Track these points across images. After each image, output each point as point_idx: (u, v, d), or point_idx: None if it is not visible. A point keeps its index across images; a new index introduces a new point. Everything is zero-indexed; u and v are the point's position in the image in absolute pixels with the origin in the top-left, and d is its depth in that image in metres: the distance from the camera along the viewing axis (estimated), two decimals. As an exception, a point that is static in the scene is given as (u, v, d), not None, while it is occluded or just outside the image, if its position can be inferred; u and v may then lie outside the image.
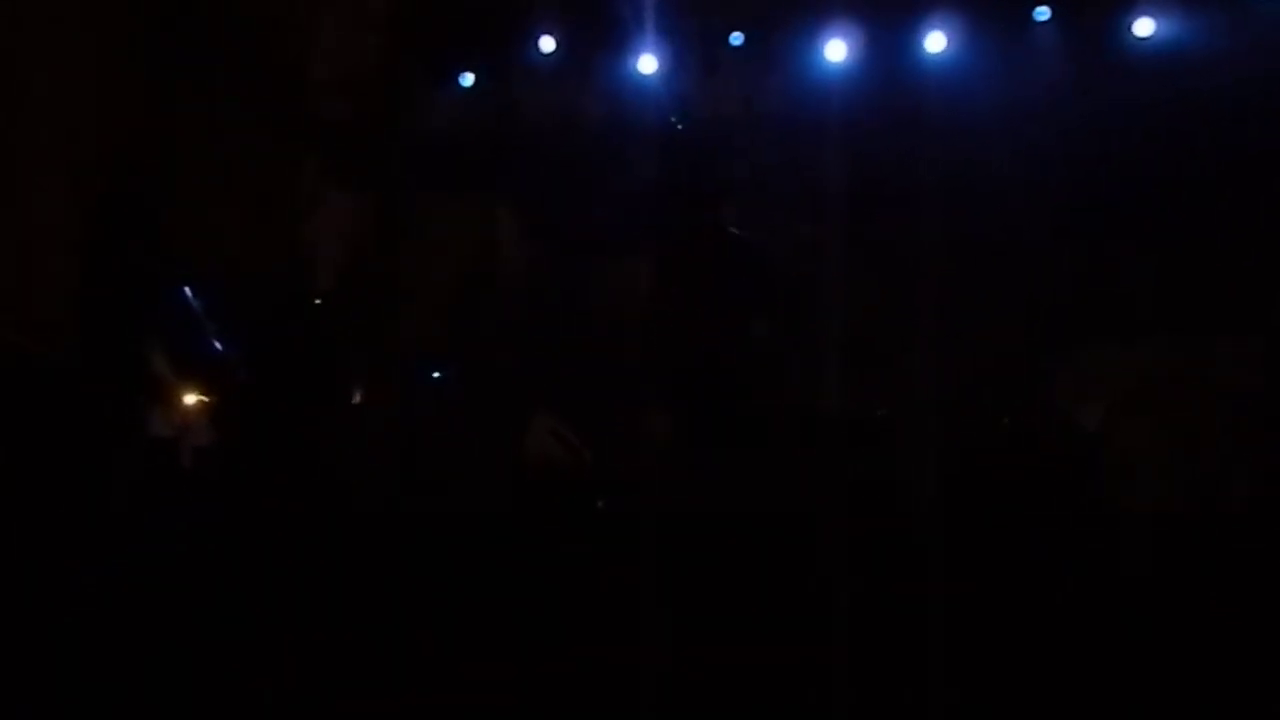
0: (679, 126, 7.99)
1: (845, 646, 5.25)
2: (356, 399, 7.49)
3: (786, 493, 6.77)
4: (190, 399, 7.31)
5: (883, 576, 5.82)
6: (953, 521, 6.31)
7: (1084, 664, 5.15)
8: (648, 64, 8.76)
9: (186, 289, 6.35)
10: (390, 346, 7.96)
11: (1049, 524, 6.33)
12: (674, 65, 8.79)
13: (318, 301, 7.68)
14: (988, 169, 8.23)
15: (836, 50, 8.60)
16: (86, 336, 6.12)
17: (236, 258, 7.22)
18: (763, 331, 7.33)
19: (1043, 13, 8.32)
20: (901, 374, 7.67)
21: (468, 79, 9.11)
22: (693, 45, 8.87)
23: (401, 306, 8.35)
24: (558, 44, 8.89)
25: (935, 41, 8.43)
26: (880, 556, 5.98)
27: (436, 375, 7.97)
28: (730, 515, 6.58)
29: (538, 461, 6.58)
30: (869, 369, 7.80)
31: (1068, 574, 5.93)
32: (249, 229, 7.57)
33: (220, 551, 5.90)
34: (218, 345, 6.46)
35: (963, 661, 5.10)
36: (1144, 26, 8.07)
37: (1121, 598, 5.71)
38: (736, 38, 8.84)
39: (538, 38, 8.86)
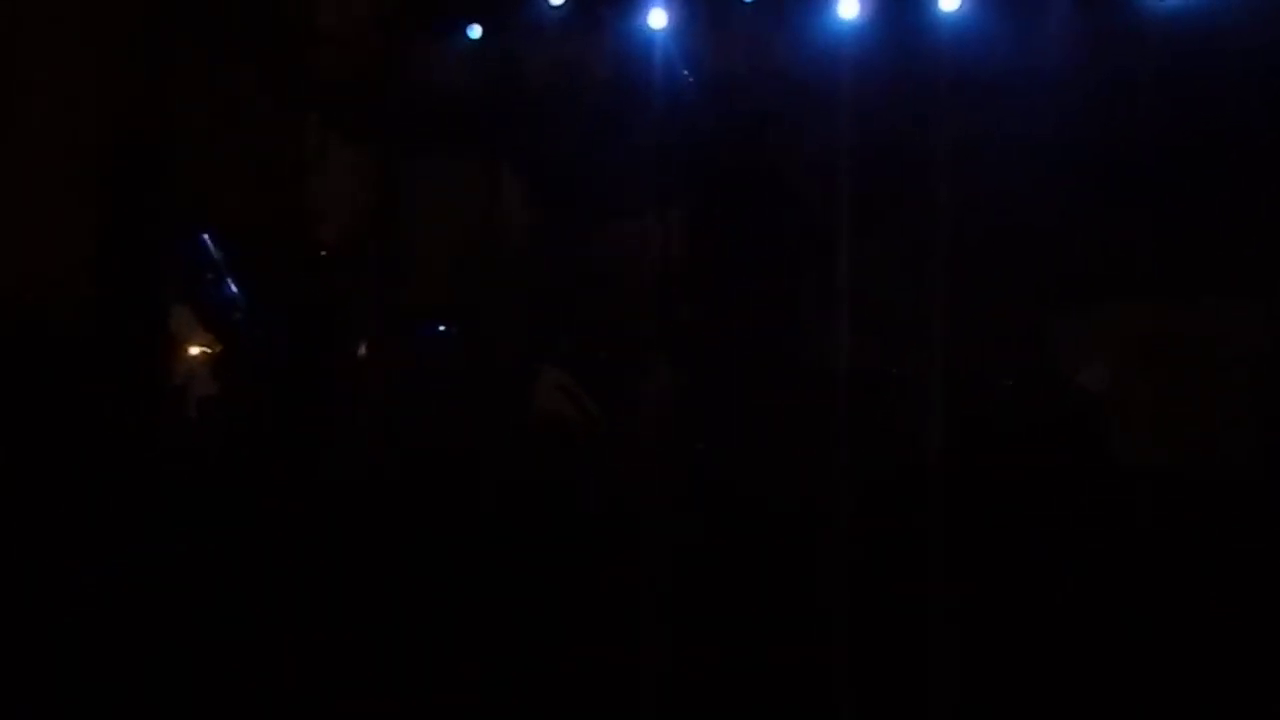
0: (690, 79, 7.86)
1: (850, 599, 5.41)
2: (362, 351, 7.45)
3: (797, 448, 6.75)
4: (196, 349, 7.43)
5: (885, 538, 5.86)
6: (957, 482, 6.30)
7: (1084, 618, 5.17)
8: (658, 19, 8.66)
9: (206, 236, 6.25)
10: (396, 300, 7.92)
11: (1052, 484, 6.33)
12: (685, 20, 8.67)
13: (323, 254, 7.63)
14: (999, 129, 8.10)
15: (849, 6, 8.47)
16: (105, 287, 6.04)
17: (242, 212, 7.16)
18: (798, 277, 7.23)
19: (1058, -30, 8.20)
20: (908, 334, 7.61)
21: (475, 31, 8.99)
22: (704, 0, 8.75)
23: (407, 261, 8.28)
24: (566, -4, 8.81)
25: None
26: (883, 518, 6.04)
27: (441, 329, 7.93)
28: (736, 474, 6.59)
29: (546, 416, 6.50)
30: (876, 329, 7.75)
31: (1071, 533, 5.94)
32: (254, 184, 7.53)
33: (222, 518, 5.93)
34: (235, 291, 6.36)
35: (966, 621, 5.17)
36: None
37: (1124, 554, 5.75)
38: (749, -7, 8.72)
39: (546, -11, 8.77)
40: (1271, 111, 7.30)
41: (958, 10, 8.31)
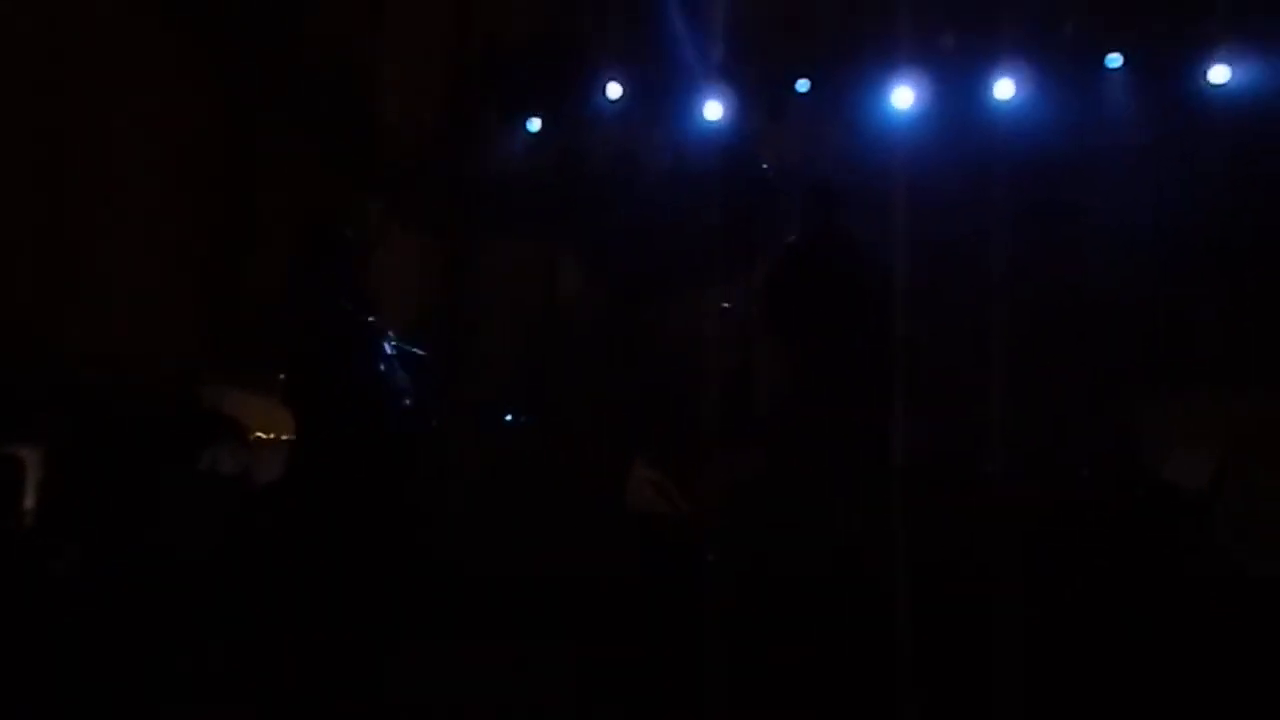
0: (768, 172, 7.82)
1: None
2: (432, 446, 7.28)
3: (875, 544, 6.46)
4: (264, 435, 7.40)
5: (954, 650, 5.47)
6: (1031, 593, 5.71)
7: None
8: (714, 110, 8.72)
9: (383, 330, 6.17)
10: (465, 391, 7.82)
11: (1144, 594, 5.77)
12: (740, 112, 8.74)
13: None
14: (1061, 216, 8.15)
15: (904, 97, 8.51)
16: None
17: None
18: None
19: (1115, 60, 8.24)
20: (987, 425, 7.38)
21: (535, 124, 9.09)
22: (759, 92, 8.85)
23: (472, 349, 8.24)
24: (624, 90, 8.87)
25: (1004, 89, 8.31)
26: (955, 628, 5.59)
27: (509, 419, 7.79)
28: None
29: (638, 515, 6.31)
30: (955, 419, 7.62)
31: (1170, 656, 5.34)
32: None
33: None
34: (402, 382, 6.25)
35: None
36: (1219, 73, 7.92)
37: (1227, 676, 5.17)
38: (803, 84, 8.82)
39: (605, 84, 8.85)
40: None
41: (1014, 99, 8.33)
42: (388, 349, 6.19)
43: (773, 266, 7.28)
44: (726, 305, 8.09)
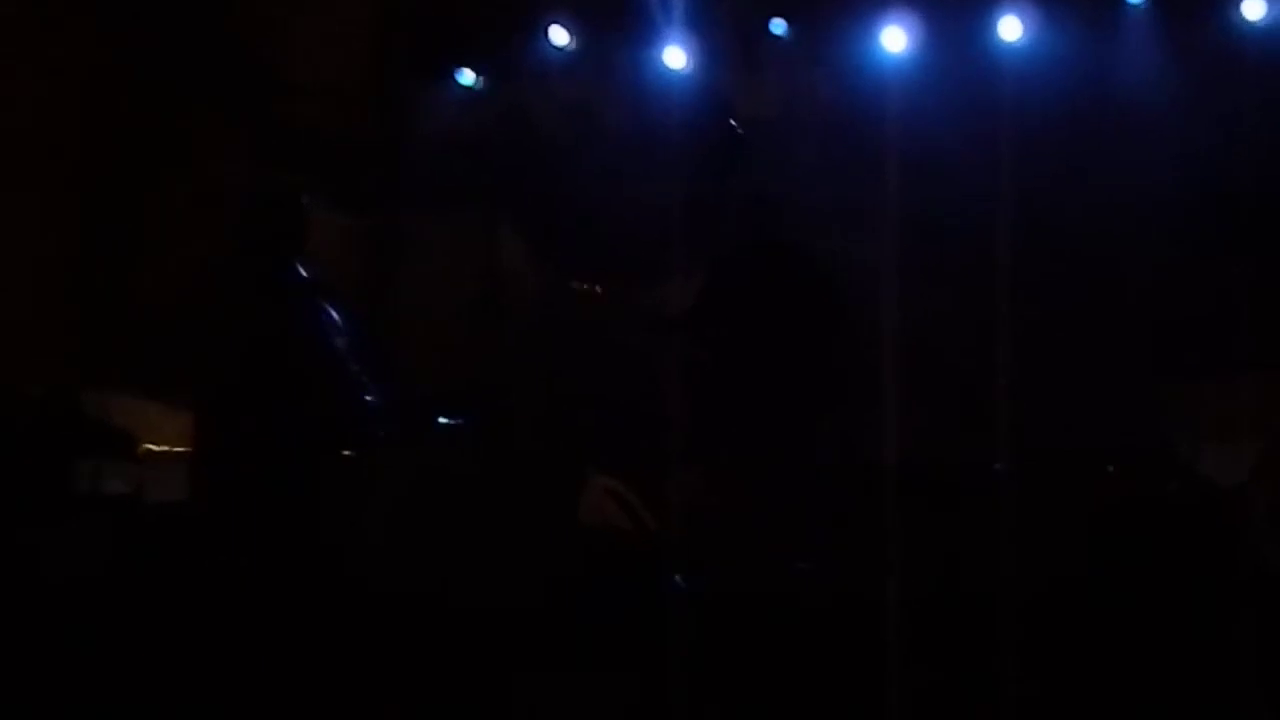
0: (740, 132, 7.05)
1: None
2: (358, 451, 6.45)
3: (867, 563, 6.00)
4: (156, 447, 6.69)
5: (973, 661, 5.35)
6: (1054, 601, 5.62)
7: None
8: (676, 57, 7.95)
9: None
10: (394, 382, 7.01)
11: (1176, 602, 5.55)
12: (707, 59, 7.96)
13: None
14: (1073, 174, 7.45)
15: (895, 39, 7.70)
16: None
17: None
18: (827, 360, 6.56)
19: (1136, -8, 7.56)
20: (986, 416, 6.84)
21: (469, 77, 8.32)
22: (728, 35, 8.06)
23: (402, 336, 7.51)
24: (572, 35, 8.08)
25: (1010, 28, 7.54)
26: (972, 639, 5.47)
27: (445, 421, 6.96)
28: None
29: (595, 529, 5.80)
30: (946, 410, 7.08)
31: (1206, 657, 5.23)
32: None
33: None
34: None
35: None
36: (1254, 8, 7.21)
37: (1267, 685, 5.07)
38: (779, 26, 8.04)
39: (549, 28, 8.06)
40: None
41: (1021, 40, 7.56)
42: (339, 339, 5.49)
43: (701, 284, 6.94)
44: (598, 289, 7.68)
